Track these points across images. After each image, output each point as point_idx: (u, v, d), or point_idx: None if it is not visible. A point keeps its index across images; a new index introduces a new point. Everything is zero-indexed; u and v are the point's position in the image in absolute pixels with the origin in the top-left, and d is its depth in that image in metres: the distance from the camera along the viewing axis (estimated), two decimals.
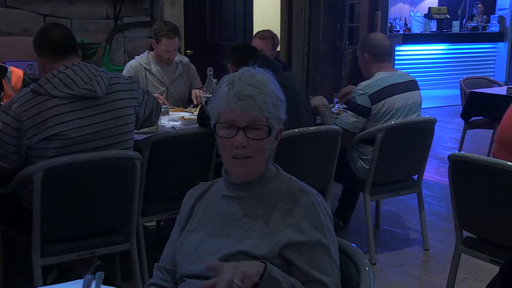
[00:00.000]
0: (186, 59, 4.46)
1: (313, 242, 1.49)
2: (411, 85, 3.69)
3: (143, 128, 3.04)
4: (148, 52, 4.31)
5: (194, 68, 4.46)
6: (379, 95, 3.53)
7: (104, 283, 1.54)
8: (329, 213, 1.58)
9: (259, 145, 1.55)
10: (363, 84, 3.59)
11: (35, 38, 2.76)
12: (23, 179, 2.64)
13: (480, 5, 11.83)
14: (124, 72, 4.20)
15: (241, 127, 1.53)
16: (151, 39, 4.17)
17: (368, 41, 3.74)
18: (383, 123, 3.53)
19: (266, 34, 4.48)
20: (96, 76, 2.64)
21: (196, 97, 4.14)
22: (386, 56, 3.68)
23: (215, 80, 3.85)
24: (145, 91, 2.97)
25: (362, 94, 3.52)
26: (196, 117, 3.39)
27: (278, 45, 4.73)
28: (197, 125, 3.27)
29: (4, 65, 3.63)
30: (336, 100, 4.20)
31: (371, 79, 3.61)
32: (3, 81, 3.53)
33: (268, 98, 1.54)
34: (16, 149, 2.57)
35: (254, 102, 1.52)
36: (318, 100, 3.74)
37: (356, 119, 3.52)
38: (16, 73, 3.64)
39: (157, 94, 3.99)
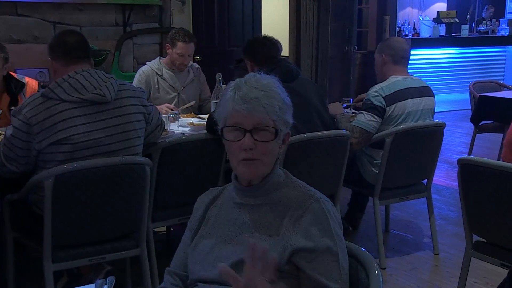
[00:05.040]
0: (196, 66, 4.49)
1: (322, 248, 1.50)
2: (424, 91, 3.70)
3: (146, 142, 2.98)
4: (160, 58, 4.35)
5: (204, 75, 4.49)
6: (392, 98, 3.54)
7: None
8: (339, 219, 1.59)
9: (266, 147, 1.56)
10: (377, 86, 3.60)
11: (50, 41, 2.82)
12: (34, 185, 2.66)
13: (491, 9, 11.77)
14: (136, 78, 4.24)
15: (248, 130, 1.54)
16: (167, 44, 4.22)
17: (387, 43, 3.80)
18: (394, 127, 3.54)
19: None
20: (105, 82, 2.67)
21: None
22: (402, 59, 3.70)
23: (224, 86, 3.86)
24: (151, 104, 2.99)
25: (377, 95, 3.54)
26: (205, 123, 3.40)
27: (281, 51, 4.74)
28: (205, 131, 3.28)
29: (22, 80, 3.64)
30: (345, 105, 4.21)
31: (385, 82, 3.62)
32: (18, 96, 3.55)
33: (274, 101, 1.56)
34: (25, 153, 2.59)
35: (259, 104, 1.53)
36: (334, 109, 3.75)
37: (373, 119, 3.53)
38: (30, 86, 3.66)
39: (166, 104, 3.99)
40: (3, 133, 3.13)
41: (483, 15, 12.03)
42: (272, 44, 3.52)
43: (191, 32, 5.05)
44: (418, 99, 3.62)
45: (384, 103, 3.52)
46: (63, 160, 2.57)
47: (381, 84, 3.61)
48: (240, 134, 1.55)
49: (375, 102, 3.53)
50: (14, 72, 3.97)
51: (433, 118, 3.75)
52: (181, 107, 4.09)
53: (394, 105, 3.54)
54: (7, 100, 3.52)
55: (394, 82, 3.60)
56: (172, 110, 3.93)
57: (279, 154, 1.63)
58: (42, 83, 4.13)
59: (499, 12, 11.87)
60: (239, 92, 1.55)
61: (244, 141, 1.54)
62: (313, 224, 1.52)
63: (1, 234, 2.99)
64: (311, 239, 1.50)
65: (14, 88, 3.53)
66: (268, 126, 1.55)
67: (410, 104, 3.58)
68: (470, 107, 6.05)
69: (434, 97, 3.77)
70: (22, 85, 3.59)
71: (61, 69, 2.72)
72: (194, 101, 4.25)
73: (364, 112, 3.57)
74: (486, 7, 12.01)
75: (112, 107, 2.69)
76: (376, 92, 3.56)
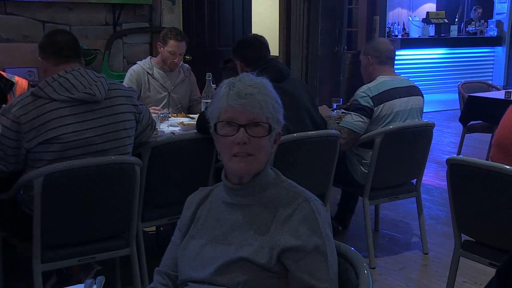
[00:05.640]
0: (187, 66, 4.49)
1: (310, 248, 1.49)
2: (412, 91, 3.71)
3: (137, 142, 3.00)
4: (151, 58, 4.35)
5: (194, 76, 4.49)
6: (380, 98, 3.55)
7: None
8: (328, 219, 1.59)
9: (259, 142, 1.56)
10: (365, 87, 3.62)
11: (40, 41, 2.82)
12: (23, 185, 2.65)
13: (479, 10, 11.84)
14: (127, 77, 4.23)
15: (242, 125, 1.54)
16: (158, 43, 4.22)
17: (372, 44, 3.81)
18: (382, 126, 3.55)
19: None
20: (96, 82, 2.67)
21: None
22: (388, 60, 3.71)
23: (214, 85, 3.86)
24: (142, 103, 2.99)
25: (365, 96, 3.55)
26: (195, 122, 3.40)
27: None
28: (195, 131, 3.28)
29: (11, 79, 3.63)
30: (335, 105, 4.21)
31: (372, 82, 3.63)
32: (8, 95, 3.53)
33: (268, 98, 1.57)
34: (15, 152, 2.59)
35: (255, 100, 1.55)
36: (321, 111, 3.76)
37: (361, 120, 3.54)
38: (20, 85, 3.64)
39: (153, 107, 3.98)
40: None
41: (471, 15, 12.09)
42: (261, 44, 3.53)
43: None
44: (406, 99, 3.64)
45: (372, 103, 3.54)
46: (53, 159, 2.57)
47: (369, 85, 3.62)
48: (234, 129, 1.55)
49: (363, 103, 3.55)
50: (3, 71, 3.95)
51: (421, 118, 3.76)
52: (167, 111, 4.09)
53: (382, 105, 3.55)
54: None
55: (381, 82, 3.61)
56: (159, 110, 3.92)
57: (271, 153, 1.63)
58: (31, 82, 4.11)
59: (488, 13, 11.94)
60: (234, 88, 1.56)
61: (238, 136, 1.54)
62: (302, 223, 1.52)
63: None
64: (299, 238, 1.50)
65: (4, 87, 3.50)
66: (262, 121, 1.56)
67: (398, 103, 3.59)
68: (459, 107, 6.09)
69: (422, 96, 3.79)
70: (12, 84, 3.57)
71: (51, 68, 2.72)
72: (181, 104, 4.26)
73: (352, 112, 3.58)
74: (474, 8, 12.07)
75: (102, 106, 2.69)
76: (364, 93, 3.57)
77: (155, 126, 3.16)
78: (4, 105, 3.39)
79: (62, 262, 2.71)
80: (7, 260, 3.08)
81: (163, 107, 4.09)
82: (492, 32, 11.50)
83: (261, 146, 1.57)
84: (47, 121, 2.54)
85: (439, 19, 11.02)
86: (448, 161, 2.75)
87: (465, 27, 11.93)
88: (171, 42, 4.12)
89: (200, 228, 1.65)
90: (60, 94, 2.58)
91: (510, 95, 5.25)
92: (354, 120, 3.54)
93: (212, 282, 1.53)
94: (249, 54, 3.44)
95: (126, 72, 4.34)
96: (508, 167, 2.48)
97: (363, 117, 3.54)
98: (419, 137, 3.65)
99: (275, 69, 3.30)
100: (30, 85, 3.72)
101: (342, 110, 4.12)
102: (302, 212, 1.53)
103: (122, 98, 2.77)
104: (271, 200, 1.58)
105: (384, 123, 3.57)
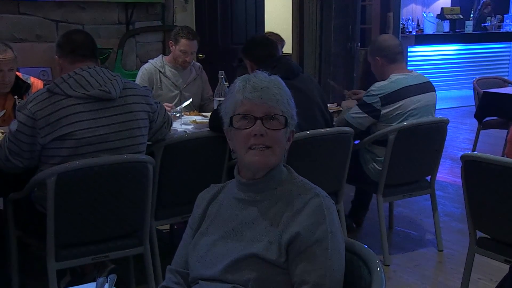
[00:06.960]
0: (198, 64, 4.49)
1: (312, 240, 1.48)
2: (426, 87, 3.68)
3: (154, 140, 3.02)
4: (162, 56, 4.36)
5: (206, 75, 4.49)
6: (392, 97, 3.52)
7: (118, 287, 1.55)
8: (337, 218, 1.57)
9: (276, 135, 1.57)
10: (377, 85, 3.59)
11: (58, 39, 2.87)
12: (36, 184, 2.67)
13: (489, 5, 11.68)
14: (139, 75, 4.25)
15: (259, 117, 1.55)
16: (170, 42, 4.23)
17: (377, 45, 3.76)
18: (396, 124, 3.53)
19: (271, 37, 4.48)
20: (111, 80, 2.69)
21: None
22: (397, 55, 3.68)
23: (227, 83, 3.86)
24: (157, 102, 3.00)
25: (374, 94, 3.53)
26: (208, 120, 3.40)
27: (284, 45, 4.79)
28: (208, 129, 3.28)
29: (27, 81, 3.65)
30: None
31: (386, 80, 3.60)
32: (24, 96, 3.56)
33: (283, 93, 1.60)
34: (30, 147, 2.60)
35: (270, 92, 1.56)
36: (346, 104, 3.76)
37: (361, 115, 3.53)
38: (36, 86, 3.68)
39: (165, 104, 3.98)
40: (5, 132, 3.14)
41: (478, 13, 11.91)
42: (270, 42, 3.54)
43: (194, 30, 5.07)
44: (420, 96, 3.60)
45: (379, 103, 3.51)
46: (67, 155, 2.58)
47: (382, 83, 3.59)
48: (251, 122, 1.56)
49: (368, 101, 3.54)
50: (17, 71, 3.98)
51: (434, 113, 3.73)
52: (180, 106, 4.09)
53: (393, 104, 3.52)
54: (12, 100, 3.53)
55: (394, 80, 3.58)
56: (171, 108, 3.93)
57: (285, 150, 1.63)
58: (45, 82, 4.13)
59: (504, 8, 11.82)
60: (250, 82, 1.58)
61: (255, 128, 1.55)
62: (309, 217, 1.51)
63: (5, 233, 3.01)
64: (303, 229, 1.49)
65: (20, 89, 3.54)
66: (278, 114, 1.57)
67: (412, 101, 3.56)
68: (474, 104, 6.04)
69: (435, 91, 3.75)
70: (28, 86, 3.60)
71: (67, 66, 2.75)
72: (191, 99, 4.25)
73: (357, 105, 3.60)
74: (482, 3, 11.88)
75: (117, 104, 2.70)
76: (374, 91, 3.55)
77: (172, 123, 3.16)
78: (20, 101, 3.43)
79: (76, 260, 2.72)
80: (22, 258, 3.10)
81: (175, 106, 4.09)
82: (508, 27, 11.37)
83: (278, 138, 1.57)
84: (62, 117, 2.56)
85: (454, 15, 10.92)
86: (463, 157, 2.73)
87: (481, 22, 11.78)
88: (183, 41, 4.13)
89: (210, 225, 1.65)
90: (76, 90, 2.60)
91: None
92: (354, 113, 3.56)
93: (222, 279, 1.52)
94: (258, 53, 3.45)
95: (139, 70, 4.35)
96: None
97: (363, 113, 3.53)
98: (433, 134, 3.62)
99: (286, 66, 3.30)
100: (45, 86, 3.75)
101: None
102: (311, 207, 1.53)
103: (136, 97, 2.79)
104: (283, 196, 1.58)
105: (398, 121, 3.54)
